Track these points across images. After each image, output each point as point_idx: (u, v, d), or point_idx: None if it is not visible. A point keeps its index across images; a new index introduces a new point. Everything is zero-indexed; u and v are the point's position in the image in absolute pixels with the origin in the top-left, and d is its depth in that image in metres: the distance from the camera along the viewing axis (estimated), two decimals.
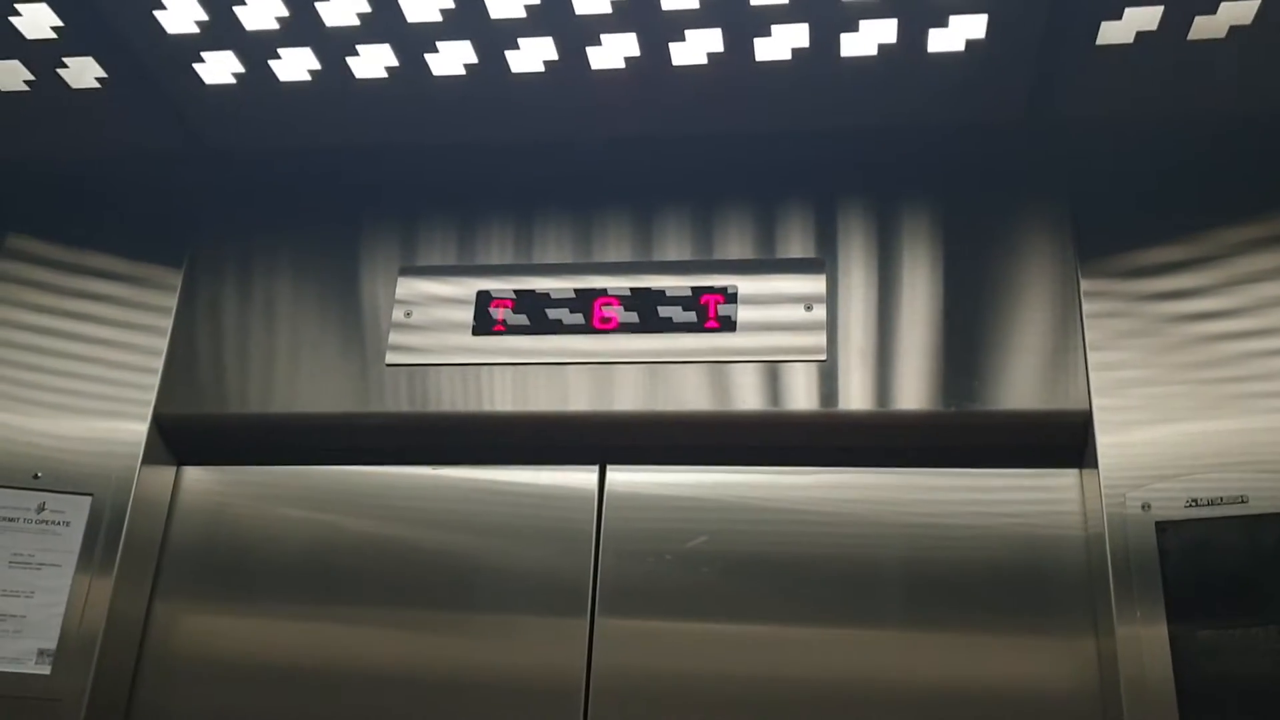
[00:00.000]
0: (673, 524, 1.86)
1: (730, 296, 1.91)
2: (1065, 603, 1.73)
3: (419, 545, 1.91)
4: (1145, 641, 1.58)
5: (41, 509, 1.89)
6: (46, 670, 1.81)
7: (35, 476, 1.91)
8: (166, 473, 2.01)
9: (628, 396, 1.87)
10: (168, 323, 2.03)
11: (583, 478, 1.92)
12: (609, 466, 1.92)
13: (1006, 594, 1.75)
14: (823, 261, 1.92)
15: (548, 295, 1.96)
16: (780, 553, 1.82)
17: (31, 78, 1.86)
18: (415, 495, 1.95)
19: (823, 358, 1.84)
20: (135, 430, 1.95)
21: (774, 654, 1.76)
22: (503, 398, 1.90)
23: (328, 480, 1.98)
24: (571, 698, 1.77)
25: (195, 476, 2.03)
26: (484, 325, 1.96)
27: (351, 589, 1.90)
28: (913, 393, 1.80)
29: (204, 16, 1.73)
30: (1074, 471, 1.80)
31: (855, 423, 1.82)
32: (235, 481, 2.01)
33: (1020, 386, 1.78)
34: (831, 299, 1.89)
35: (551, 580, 1.85)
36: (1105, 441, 1.70)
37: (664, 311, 1.92)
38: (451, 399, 1.91)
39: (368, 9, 1.70)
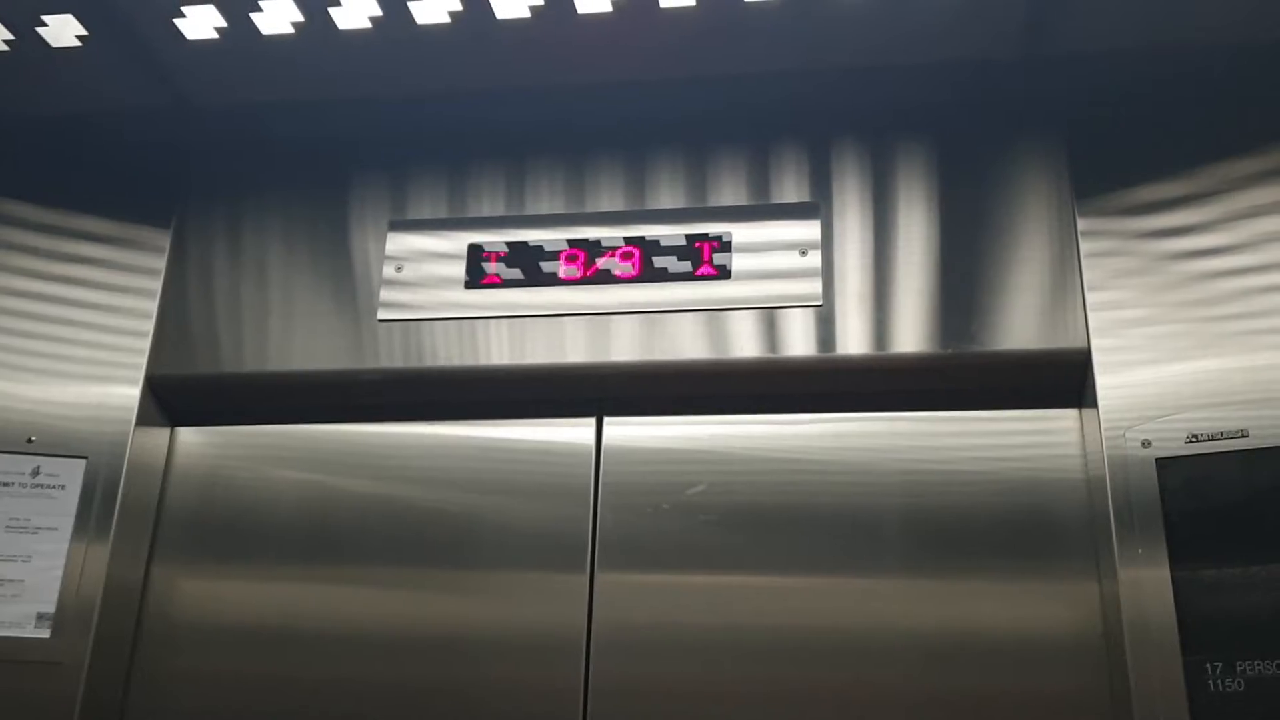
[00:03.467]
0: (671, 475, 1.86)
1: (725, 244, 1.89)
2: (1067, 543, 1.72)
3: (417, 503, 1.90)
4: (1147, 581, 1.57)
5: (36, 473, 1.88)
6: (46, 634, 1.81)
7: (29, 441, 1.90)
8: (160, 434, 2.00)
9: (623, 347, 1.86)
10: (157, 284, 2.02)
11: (580, 431, 1.90)
12: (606, 419, 1.91)
13: (1008, 536, 1.74)
14: (817, 205, 1.90)
15: (540, 247, 1.94)
16: (779, 502, 1.81)
17: (11, 37, 1.83)
18: (412, 453, 1.94)
19: (819, 303, 1.83)
20: (127, 392, 1.94)
21: (776, 603, 1.75)
22: (497, 351, 1.88)
23: (323, 439, 1.97)
24: (573, 652, 1.77)
25: (190, 438, 2.02)
26: (476, 278, 1.94)
27: (349, 548, 1.89)
28: (910, 336, 1.79)
29: None
30: (1073, 411, 1.79)
31: (853, 367, 1.81)
32: (230, 442, 2.00)
33: (1018, 327, 1.76)
34: (826, 243, 1.87)
35: (551, 535, 1.84)
36: (1104, 380, 1.69)
37: (658, 261, 1.90)
38: (445, 354, 1.90)
39: None
